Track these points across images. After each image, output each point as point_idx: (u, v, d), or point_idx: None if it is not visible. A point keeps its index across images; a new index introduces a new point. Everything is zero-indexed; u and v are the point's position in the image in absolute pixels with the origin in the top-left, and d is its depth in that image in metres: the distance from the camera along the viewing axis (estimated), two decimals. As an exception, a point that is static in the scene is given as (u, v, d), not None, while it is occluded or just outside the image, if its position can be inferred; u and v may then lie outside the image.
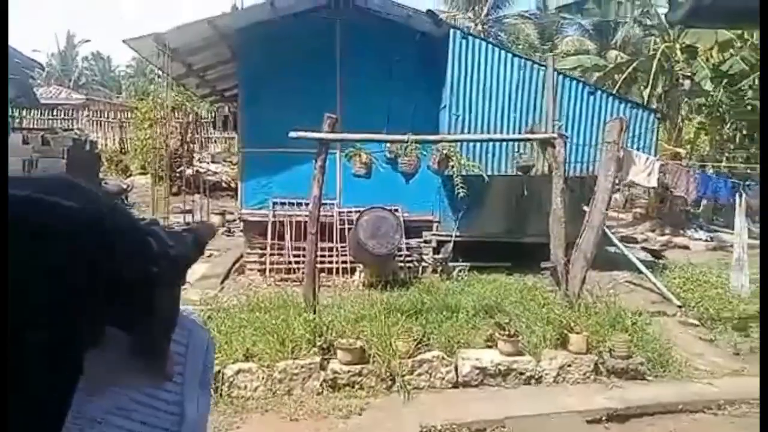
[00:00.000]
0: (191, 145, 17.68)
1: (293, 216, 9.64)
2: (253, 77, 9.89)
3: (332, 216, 9.82)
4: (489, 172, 9.01)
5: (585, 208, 8.72)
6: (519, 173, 8.95)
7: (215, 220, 14.91)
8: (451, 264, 9.65)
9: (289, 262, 9.49)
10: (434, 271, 9.81)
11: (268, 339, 5.98)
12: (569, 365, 6.05)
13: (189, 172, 17.79)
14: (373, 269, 9.29)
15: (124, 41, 9.01)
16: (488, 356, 5.99)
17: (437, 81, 9.78)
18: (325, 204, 9.86)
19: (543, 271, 9.27)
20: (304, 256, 9.54)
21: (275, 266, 9.59)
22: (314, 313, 6.35)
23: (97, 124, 23.65)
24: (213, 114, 13.26)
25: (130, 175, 20.57)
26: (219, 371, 5.54)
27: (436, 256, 9.82)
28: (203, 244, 0.83)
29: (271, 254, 9.63)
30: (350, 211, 9.81)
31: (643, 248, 11.58)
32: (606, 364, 6.16)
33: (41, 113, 22.15)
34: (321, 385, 5.63)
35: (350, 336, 5.96)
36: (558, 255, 7.04)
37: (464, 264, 9.65)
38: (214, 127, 12.89)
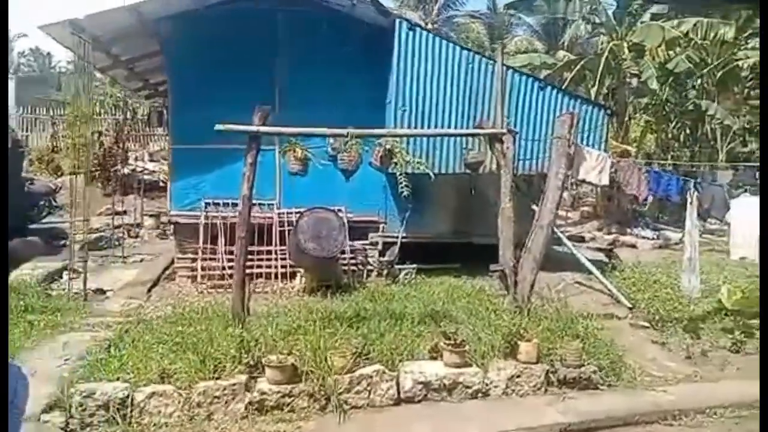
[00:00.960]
0: (126, 143, 16.62)
1: (227, 218, 8.93)
2: (183, 69, 9.13)
3: (271, 217, 9.17)
4: (436, 170, 8.54)
5: (534, 207, 8.35)
6: (467, 171, 8.50)
7: (149, 221, 14.00)
8: (397, 267, 9.13)
9: (223, 268, 8.79)
10: (379, 274, 9.27)
11: (188, 356, 5.31)
12: (519, 376, 5.60)
13: (125, 171, 16.78)
14: (315, 274, 8.69)
15: (39, 27, 8.13)
16: (432, 369, 5.48)
17: (383, 75, 9.24)
18: (264, 205, 9.23)
19: (492, 273, 8.87)
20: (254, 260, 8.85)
21: (208, 272, 8.86)
22: (242, 325, 5.71)
23: (29, 121, 22.23)
24: (148, 110, 12.35)
25: (62, 175, 19.32)
26: (128, 396, 4.85)
27: (381, 259, 9.29)
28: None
29: (203, 259, 8.91)
30: (291, 212, 9.19)
31: (597, 248, 11.34)
32: (558, 373, 5.75)
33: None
34: (246, 408, 5.00)
35: (281, 351, 5.35)
36: (507, 257, 6.61)
37: (411, 266, 9.15)
38: (149, 124, 11.96)
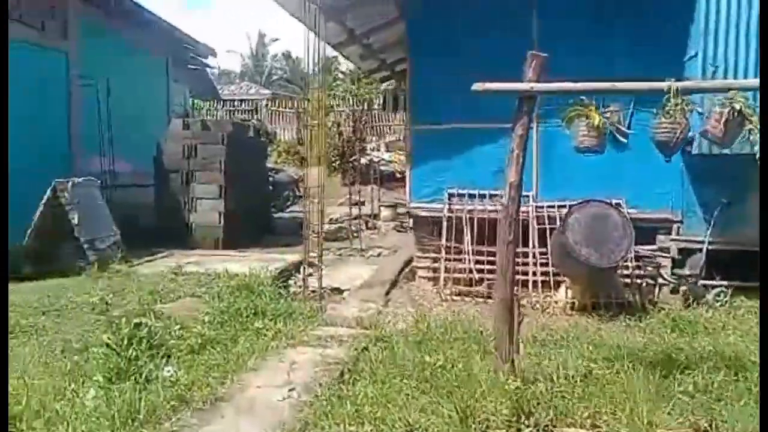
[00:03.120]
0: (363, 133, 16.13)
1: (474, 212, 7.33)
2: (426, 33, 7.70)
3: (527, 212, 7.31)
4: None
5: None
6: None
7: (386, 213, 13.10)
8: (702, 283, 6.62)
9: (470, 271, 7.18)
10: (674, 291, 6.85)
11: (442, 407, 3.72)
12: None
13: (363, 161, 16.34)
14: (586, 286, 6.64)
15: (270, -3, 7.35)
16: None
17: (679, 20, 6.79)
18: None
19: None
20: (488, 263, 7.20)
21: (452, 275, 7.34)
22: (512, 368, 3.95)
23: (278, 115, 23.43)
24: (384, 94, 11.38)
25: (307, 165, 19.79)
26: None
27: (678, 272, 6.86)
28: None
29: (447, 259, 7.39)
30: (552, 206, 7.24)
31: None
32: None
33: (225, 106, 22.37)
34: None
35: (581, 424, 3.48)
36: None
37: (722, 284, 6.57)
38: (384, 109, 11.03)
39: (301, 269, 8.10)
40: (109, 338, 4.59)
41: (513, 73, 4.22)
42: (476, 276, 7.12)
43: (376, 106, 18.37)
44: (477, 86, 4.12)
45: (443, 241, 7.38)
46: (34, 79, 9.00)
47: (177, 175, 10.07)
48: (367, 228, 12.96)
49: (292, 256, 8.83)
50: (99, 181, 8.31)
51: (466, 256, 7.22)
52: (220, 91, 27.05)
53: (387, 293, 7.42)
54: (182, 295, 6.32)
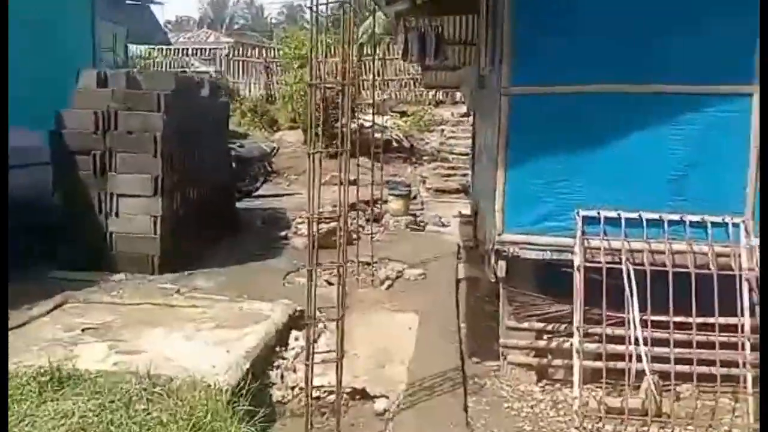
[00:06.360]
0: (355, 91, 12.21)
1: (641, 254, 3.66)
2: None
3: (739, 256, 3.69)
4: None
5: None
6: None
7: (394, 204, 9.29)
8: None
9: (638, 358, 3.55)
10: None
11: None
12: None
13: (351, 126, 12.41)
14: None
15: None
16: None
17: None
18: (718, 225, 3.83)
19: None
20: (680, 344, 3.62)
21: (589, 363, 3.70)
22: None
23: (241, 66, 18.98)
24: (404, 34, 7.62)
25: (278, 130, 15.67)
26: None
27: None
28: None
29: (590, 335, 3.73)
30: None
31: None
32: None
33: (177, 55, 17.89)
34: None
35: None
36: None
37: None
38: (405, 54, 7.56)
39: (291, 339, 4.44)
40: None
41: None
42: (649, 371, 3.50)
43: (366, 57, 14.33)
44: None
45: (577, 305, 3.69)
46: None
47: (87, 159, 6.11)
48: (367, 221, 9.17)
49: (271, 308, 5.06)
50: None
51: (632, 331, 3.56)
52: (172, 39, 22.32)
53: (464, 407, 3.75)
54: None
